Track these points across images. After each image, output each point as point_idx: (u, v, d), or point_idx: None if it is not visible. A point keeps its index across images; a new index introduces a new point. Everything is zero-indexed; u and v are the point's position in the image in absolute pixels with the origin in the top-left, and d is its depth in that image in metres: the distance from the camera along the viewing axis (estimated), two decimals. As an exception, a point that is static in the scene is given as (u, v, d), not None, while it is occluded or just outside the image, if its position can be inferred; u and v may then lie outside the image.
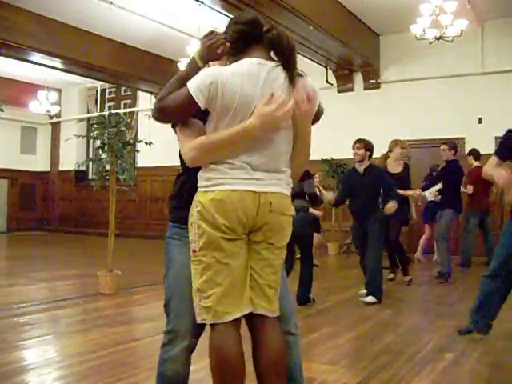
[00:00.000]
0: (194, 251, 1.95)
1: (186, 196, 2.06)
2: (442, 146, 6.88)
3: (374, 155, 5.63)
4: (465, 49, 9.30)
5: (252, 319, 2.02)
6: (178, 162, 2.13)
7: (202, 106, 1.88)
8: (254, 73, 1.90)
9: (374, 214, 5.40)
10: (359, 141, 5.52)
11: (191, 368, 2.11)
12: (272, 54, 1.96)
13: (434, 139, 8.93)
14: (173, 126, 2.10)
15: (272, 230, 1.98)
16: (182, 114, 1.96)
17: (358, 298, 5.42)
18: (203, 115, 1.97)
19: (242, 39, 1.98)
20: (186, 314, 2.06)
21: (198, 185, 1.97)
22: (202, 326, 2.07)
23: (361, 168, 5.49)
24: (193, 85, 1.88)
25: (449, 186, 6.80)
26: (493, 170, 3.59)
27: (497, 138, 7.40)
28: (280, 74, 1.92)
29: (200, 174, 1.96)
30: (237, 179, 1.90)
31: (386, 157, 6.67)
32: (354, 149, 5.49)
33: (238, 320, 1.96)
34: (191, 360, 2.09)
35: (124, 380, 2.99)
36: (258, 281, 2.00)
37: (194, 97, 1.86)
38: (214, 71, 1.91)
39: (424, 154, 9.56)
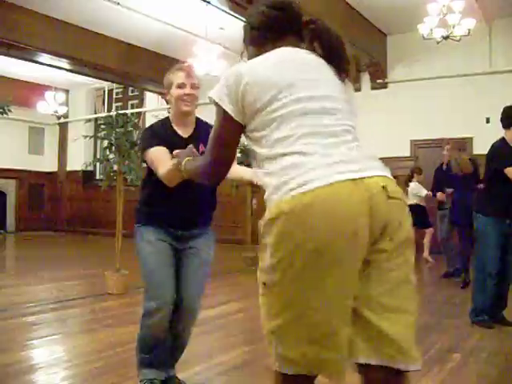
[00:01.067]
0: (264, 284, 1.38)
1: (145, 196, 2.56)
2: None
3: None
4: (472, 48, 9.24)
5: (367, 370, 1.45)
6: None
7: (233, 114, 1.48)
8: (288, 53, 1.56)
9: None
10: None
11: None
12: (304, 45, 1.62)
13: (442, 139, 8.87)
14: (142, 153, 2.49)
15: (398, 229, 1.38)
16: (232, 141, 1.55)
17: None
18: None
19: (274, 27, 1.60)
20: (166, 286, 2.39)
21: (269, 192, 1.39)
22: (176, 293, 2.45)
23: None
24: (215, 94, 1.51)
25: None
26: None
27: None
28: (318, 58, 1.56)
29: (267, 172, 1.43)
30: (328, 166, 1.34)
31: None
32: None
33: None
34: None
35: (132, 379, 2.99)
36: (372, 317, 1.39)
37: (220, 102, 1.49)
38: (231, 69, 1.54)
39: (431, 154, 9.52)
